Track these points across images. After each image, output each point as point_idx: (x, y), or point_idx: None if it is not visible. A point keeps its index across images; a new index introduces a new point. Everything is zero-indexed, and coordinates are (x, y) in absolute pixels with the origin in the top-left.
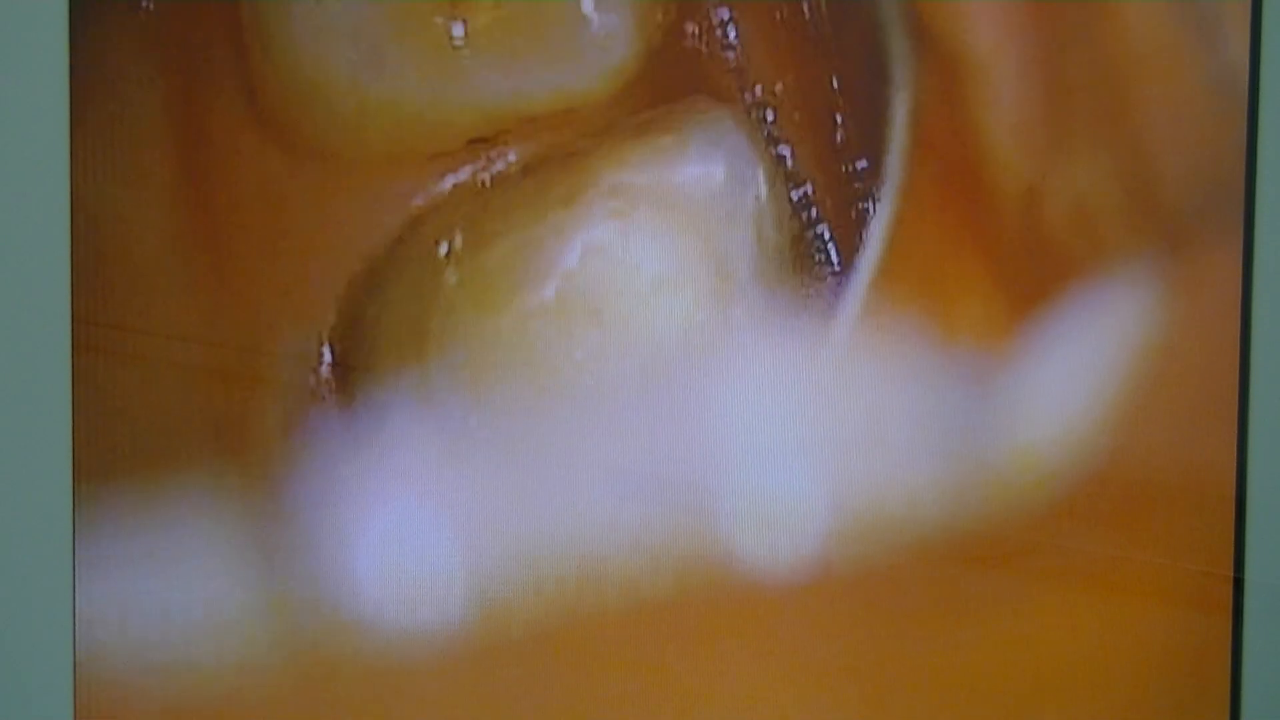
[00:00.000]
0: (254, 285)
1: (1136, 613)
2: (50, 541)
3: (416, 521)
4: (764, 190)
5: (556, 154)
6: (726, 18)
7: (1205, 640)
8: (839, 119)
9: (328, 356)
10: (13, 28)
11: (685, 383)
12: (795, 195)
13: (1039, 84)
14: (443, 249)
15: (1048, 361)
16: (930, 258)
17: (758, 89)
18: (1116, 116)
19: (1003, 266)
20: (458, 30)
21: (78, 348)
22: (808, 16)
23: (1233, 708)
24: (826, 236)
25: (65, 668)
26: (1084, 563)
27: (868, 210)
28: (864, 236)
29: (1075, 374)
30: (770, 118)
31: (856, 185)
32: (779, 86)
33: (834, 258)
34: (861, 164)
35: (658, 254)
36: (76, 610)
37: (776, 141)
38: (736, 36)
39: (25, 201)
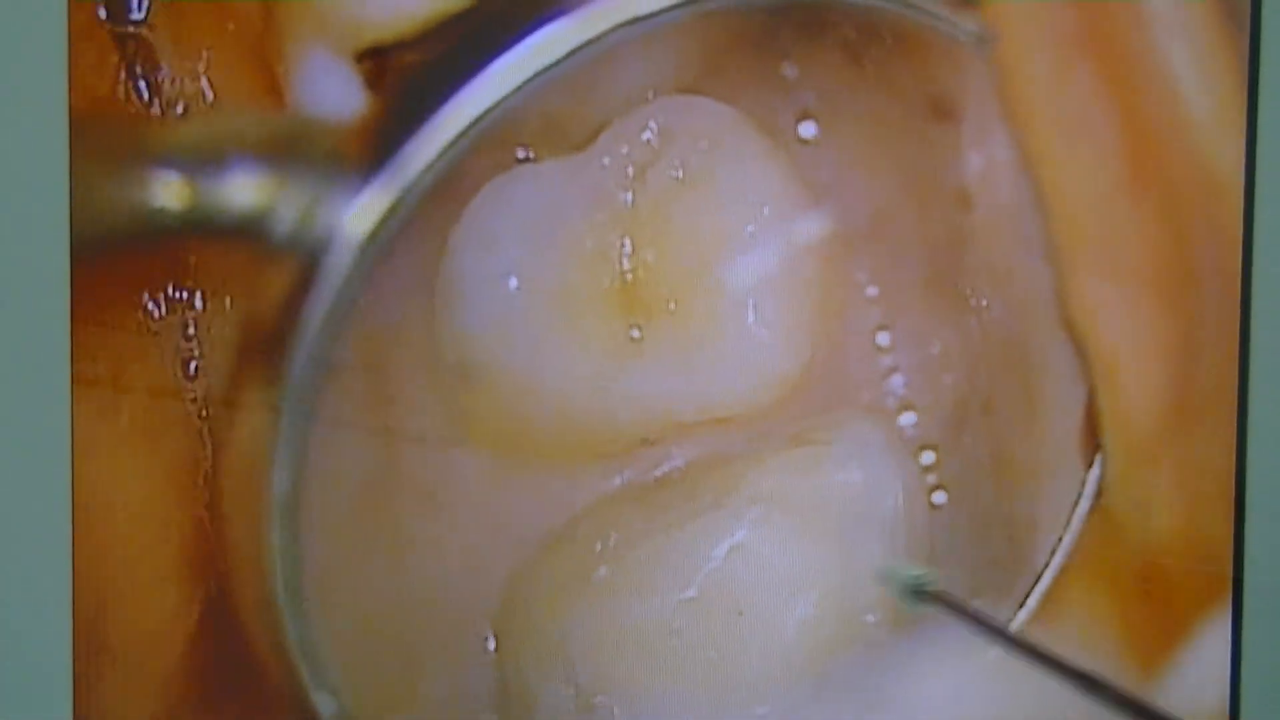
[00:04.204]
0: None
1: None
2: None
3: None
4: (902, 502)
5: (713, 458)
6: (886, 344)
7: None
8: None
9: (491, 644)
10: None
11: (823, 687)
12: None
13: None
14: (598, 545)
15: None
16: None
17: (911, 417)
18: None
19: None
20: (634, 335)
21: None
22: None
23: (1232, 708)
24: None
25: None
26: None
27: None
28: None
29: None
30: (915, 428)
31: None
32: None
33: None
34: None
35: (801, 558)
36: None
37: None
38: (892, 361)
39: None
